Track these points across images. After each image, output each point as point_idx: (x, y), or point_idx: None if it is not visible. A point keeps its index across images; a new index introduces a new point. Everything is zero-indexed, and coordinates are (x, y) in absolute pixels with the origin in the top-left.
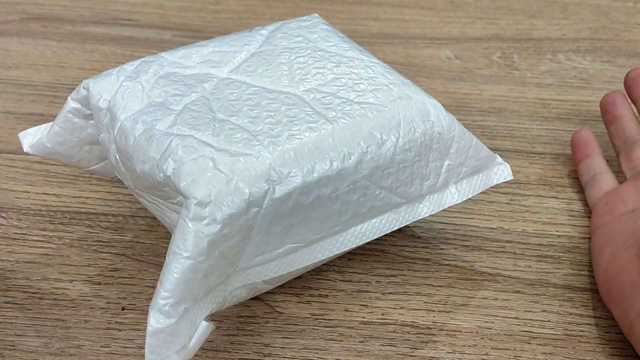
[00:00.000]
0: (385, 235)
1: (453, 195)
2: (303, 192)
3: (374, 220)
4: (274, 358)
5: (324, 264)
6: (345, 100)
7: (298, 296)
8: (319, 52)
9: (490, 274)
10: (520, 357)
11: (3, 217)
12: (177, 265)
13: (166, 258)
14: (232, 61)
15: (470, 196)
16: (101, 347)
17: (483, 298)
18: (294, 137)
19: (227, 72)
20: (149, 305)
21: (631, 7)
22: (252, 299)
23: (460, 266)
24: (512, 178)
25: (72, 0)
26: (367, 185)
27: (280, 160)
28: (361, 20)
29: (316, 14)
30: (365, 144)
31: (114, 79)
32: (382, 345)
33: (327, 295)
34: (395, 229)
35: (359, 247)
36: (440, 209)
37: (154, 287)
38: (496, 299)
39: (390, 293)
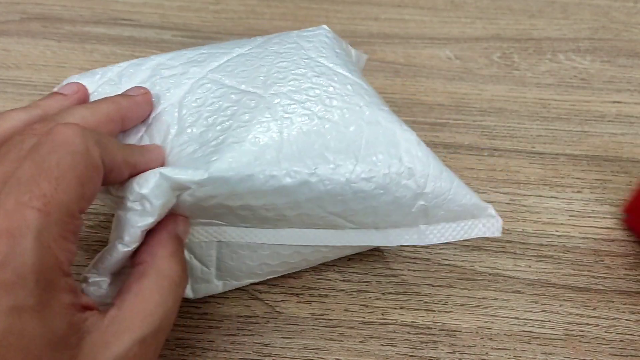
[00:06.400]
0: None
1: (417, 235)
2: (229, 197)
3: (309, 230)
4: (274, 358)
5: (323, 264)
6: (309, 112)
7: (298, 296)
8: (306, 60)
9: (490, 274)
10: (520, 357)
11: None
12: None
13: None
14: (217, 61)
15: (441, 241)
16: None
17: (483, 298)
18: (235, 144)
19: (207, 71)
20: None
21: (631, 7)
22: (252, 299)
23: (460, 266)
24: (499, 235)
25: (72, 0)
26: (311, 208)
27: (217, 173)
28: (361, 20)
29: (325, 26)
30: (314, 164)
31: (98, 78)
32: (382, 345)
33: (327, 295)
34: (337, 244)
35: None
36: (395, 245)
37: None
38: (496, 299)
39: (390, 293)
